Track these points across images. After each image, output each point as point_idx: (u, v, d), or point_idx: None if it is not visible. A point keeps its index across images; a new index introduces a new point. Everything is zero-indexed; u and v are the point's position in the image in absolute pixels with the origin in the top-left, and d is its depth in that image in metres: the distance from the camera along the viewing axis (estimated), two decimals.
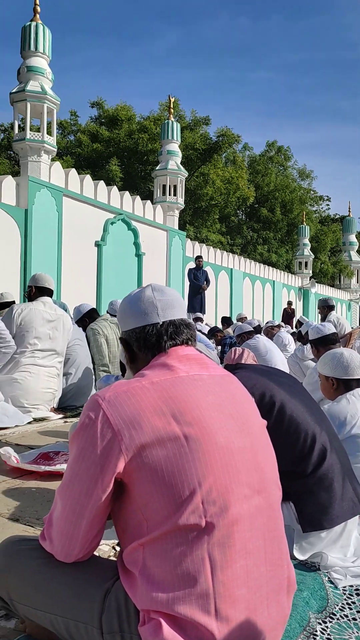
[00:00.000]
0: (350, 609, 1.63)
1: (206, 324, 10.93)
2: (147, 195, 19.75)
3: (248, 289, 19.90)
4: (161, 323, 1.35)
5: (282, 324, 14.08)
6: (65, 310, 4.96)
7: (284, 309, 18.20)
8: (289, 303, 18.14)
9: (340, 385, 2.52)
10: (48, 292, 4.38)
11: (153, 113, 24.60)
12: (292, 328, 12.69)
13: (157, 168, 15.70)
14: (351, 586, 1.76)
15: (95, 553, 1.92)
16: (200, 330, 8.47)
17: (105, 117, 24.68)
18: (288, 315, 17.17)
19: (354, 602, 1.67)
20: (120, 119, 23.91)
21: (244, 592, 1.16)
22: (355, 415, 2.36)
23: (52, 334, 4.27)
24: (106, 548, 1.98)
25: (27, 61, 11.19)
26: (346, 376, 2.51)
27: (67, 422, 4.21)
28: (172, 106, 15.95)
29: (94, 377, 5.01)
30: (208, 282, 12.82)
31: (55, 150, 11.54)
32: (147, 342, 1.35)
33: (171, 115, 15.79)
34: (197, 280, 12.58)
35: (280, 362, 6.03)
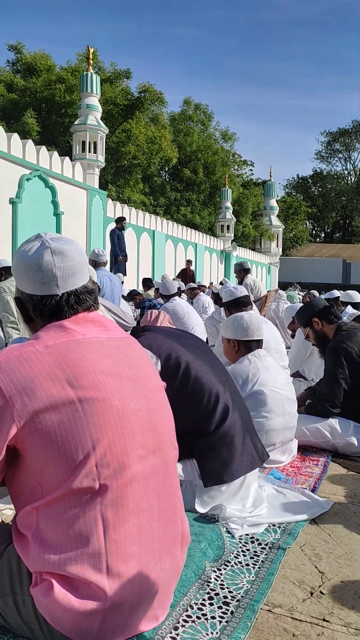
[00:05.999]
0: (245, 555, 1.73)
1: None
2: (66, 151, 18.93)
3: (170, 251, 19.90)
4: (61, 295, 1.27)
5: (205, 285, 14.12)
6: None
7: (182, 269, 15.63)
8: (188, 262, 15.73)
9: (242, 347, 2.63)
10: None
11: (70, 64, 23.33)
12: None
13: (75, 123, 14.99)
14: (247, 535, 1.87)
15: None
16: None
17: (23, 65, 23.08)
18: (187, 275, 14.47)
19: (248, 550, 1.77)
20: (38, 68, 22.45)
21: (136, 548, 1.19)
22: (256, 373, 2.49)
23: None
24: (9, 512, 1.96)
25: None
26: (246, 337, 2.62)
27: None
28: (91, 57, 15.18)
29: (3, 339, 4.83)
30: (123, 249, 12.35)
31: None
32: (44, 312, 1.28)
33: (90, 67, 15.04)
34: (121, 241, 12.33)
35: (198, 325, 6.12)
